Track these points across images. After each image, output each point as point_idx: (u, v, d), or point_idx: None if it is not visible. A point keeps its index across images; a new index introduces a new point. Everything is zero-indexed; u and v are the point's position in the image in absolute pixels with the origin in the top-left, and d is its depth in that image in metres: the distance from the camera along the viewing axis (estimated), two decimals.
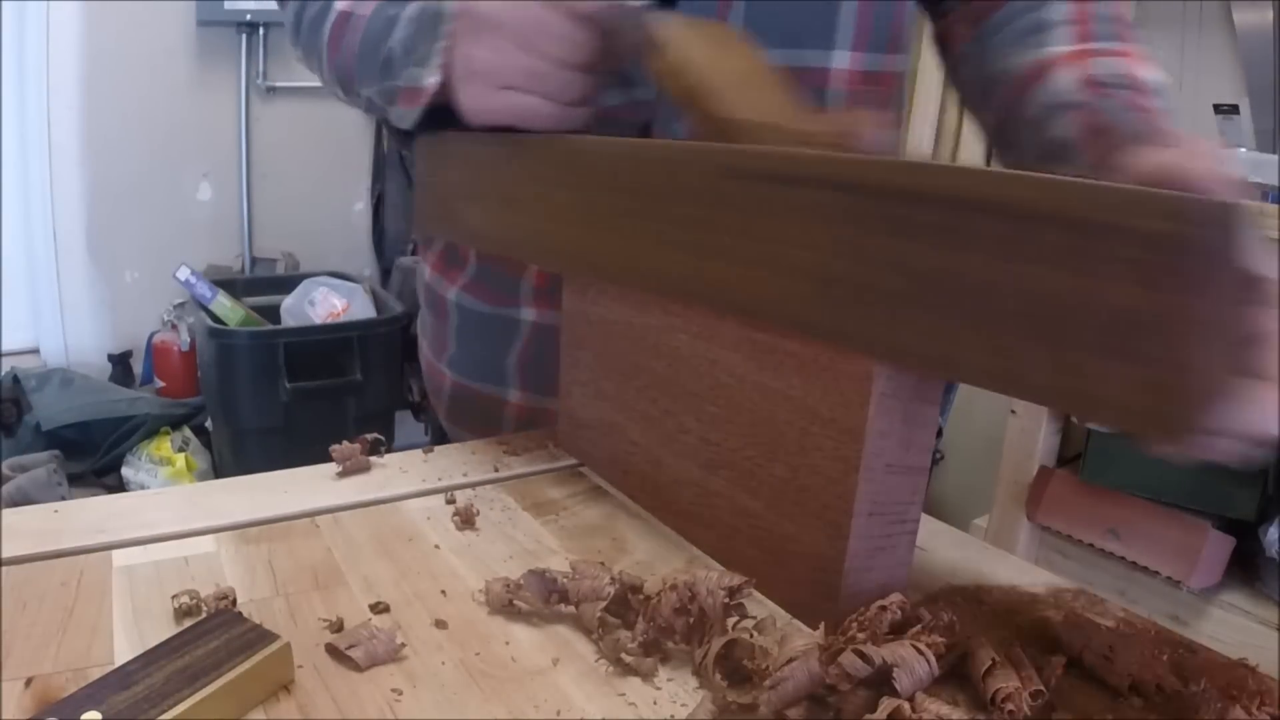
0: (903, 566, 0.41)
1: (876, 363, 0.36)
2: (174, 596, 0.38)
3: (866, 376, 0.36)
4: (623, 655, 0.36)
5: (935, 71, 2.02)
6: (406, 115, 0.57)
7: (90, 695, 0.30)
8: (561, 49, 0.50)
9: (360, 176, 2.69)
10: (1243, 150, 1.45)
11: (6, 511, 0.45)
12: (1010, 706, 0.32)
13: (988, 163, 2.09)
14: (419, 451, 0.57)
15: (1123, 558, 1.51)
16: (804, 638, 0.34)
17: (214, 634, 0.34)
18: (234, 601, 0.39)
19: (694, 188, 0.42)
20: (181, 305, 2.34)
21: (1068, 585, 0.45)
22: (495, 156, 0.57)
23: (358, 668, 0.35)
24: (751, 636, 0.35)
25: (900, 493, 0.39)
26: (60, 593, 0.40)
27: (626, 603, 0.39)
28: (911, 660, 0.33)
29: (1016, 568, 0.47)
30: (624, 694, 0.35)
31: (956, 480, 2.02)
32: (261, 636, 0.34)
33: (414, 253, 2.63)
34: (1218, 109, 1.54)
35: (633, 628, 0.37)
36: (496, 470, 0.55)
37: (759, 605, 0.41)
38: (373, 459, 0.55)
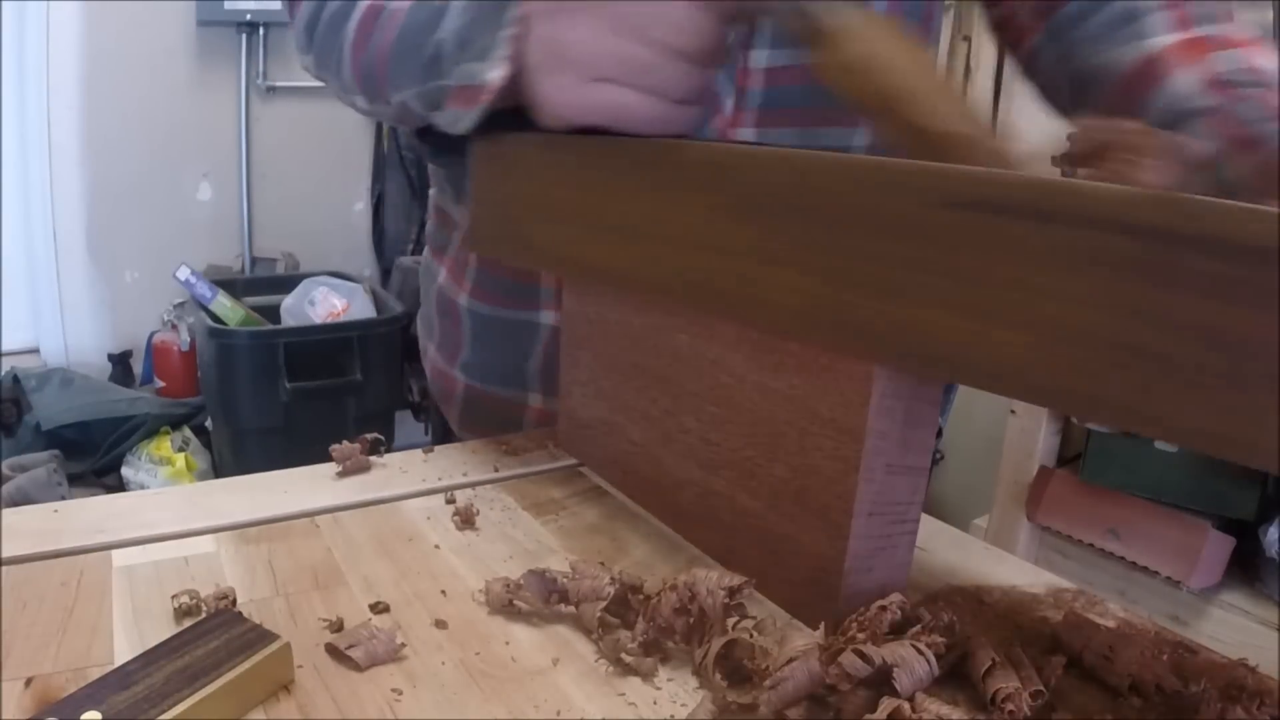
0: (903, 566, 0.41)
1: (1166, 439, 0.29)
2: (174, 596, 0.38)
3: (866, 376, 0.36)
4: (623, 655, 0.36)
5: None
6: (461, 118, 0.49)
7: (90, 695, 0.30)
8: (674, 34, 0.42)
9: (360, 176, 2.69)
10: None
11: (6, 511, 0.45)
12: (1010, 706, 0.32)
13: None
14: (419, 451, 0.57)
15: (1123, 558, 1.51)
16: (804, 638, 0.34)
17: (214, 634, 0.34)
18: (234, 601, 0.39)
19: (899, 217, 0.33)
20: (181, 305, 2.34)
21: (1068, 585, 0.45)
22: (584, 165, 0.47)
23: (358, 668, 0.35)
24: (751, 636, 0.35)
25: (900, 493, 0.39)
26: (60, 593, 0.40)
27: (626, 603, 0.39)
28: (911, 660, 0.33)
29: (1016, 568, 0.47)
30: (624, 694, 0.35)
31: (956, 480, 2.02)
32: (261, 636, 0.34)
33: (414, 253, 2.63)
34: None
35: (633, 628, 0.37)
36: (496, 470, 0.55)
37: (759, 605, 0.41)
38: (373, 459, 0.55)
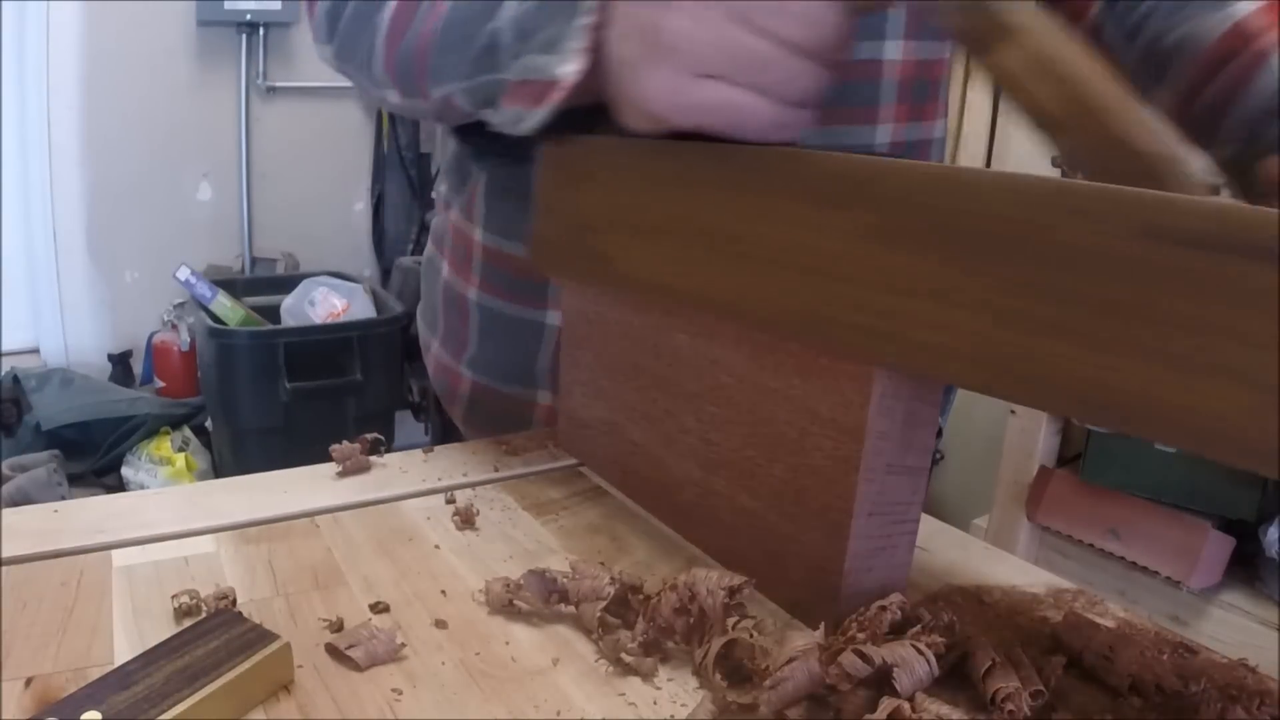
0: (903, 566, 0.41)
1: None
2: (174, 596, 0.38)
3: (866, 376, 0.36)
4: (623, 655, 0.36)
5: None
6: (524, 117, 0.44)
7: (90, 695, 0.30)
8: (797, 26, 0.36)
9: (360, 176, 2.70)
10: None
11: (6, 511, 0.45)
12: (1010, 706, 0.32)
13: (987, 162, 2.07)
14: (419, 451, 0.57)
15: (1123, 558, 1.51)
16: (804, 638, 0.34)
17: (214, 634, 0.34)
18: (234, 601, 0.39)
19: (1096, 250, 0.28)
20: (181, 305, 2.34)
21: (1068, 585, 0.45)
22: (685, 176, 0.41)
23: (358, 668, 0.35)
24: (751, 636, 0.35)
25: (900, 493, 0.39)
26: (60, 593, 0.40)
27: (626, 603, 0.39)
28: (911, 660, 0.33)
29: (1016, 568, 0.47)
30: (624, 694, 0.35)
31: (956, 480, 2.02)
32: (261, 636, 0.34)
33: (414, 253, 2.63)
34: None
35: (633, 628, 0.37)
36: (496, 470, 0.55)
37: (759, 605, 0.41)
38: (373, 459, 0.55)
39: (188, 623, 0.35)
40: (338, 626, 0.38)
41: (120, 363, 2.42)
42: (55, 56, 2.22)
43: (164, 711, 0.29)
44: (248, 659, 0.32)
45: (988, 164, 2.04)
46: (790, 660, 0.33)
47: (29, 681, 0.33)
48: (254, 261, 2.57)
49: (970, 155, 2.05)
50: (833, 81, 0.39)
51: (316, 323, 2.21)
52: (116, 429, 2.10)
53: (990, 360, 0.31)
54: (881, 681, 0.32)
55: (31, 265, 2.35)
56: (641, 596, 0.39)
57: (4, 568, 0.41)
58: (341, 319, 2.23)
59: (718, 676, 0.34)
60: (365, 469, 0.54)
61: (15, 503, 1.66)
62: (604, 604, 0.38)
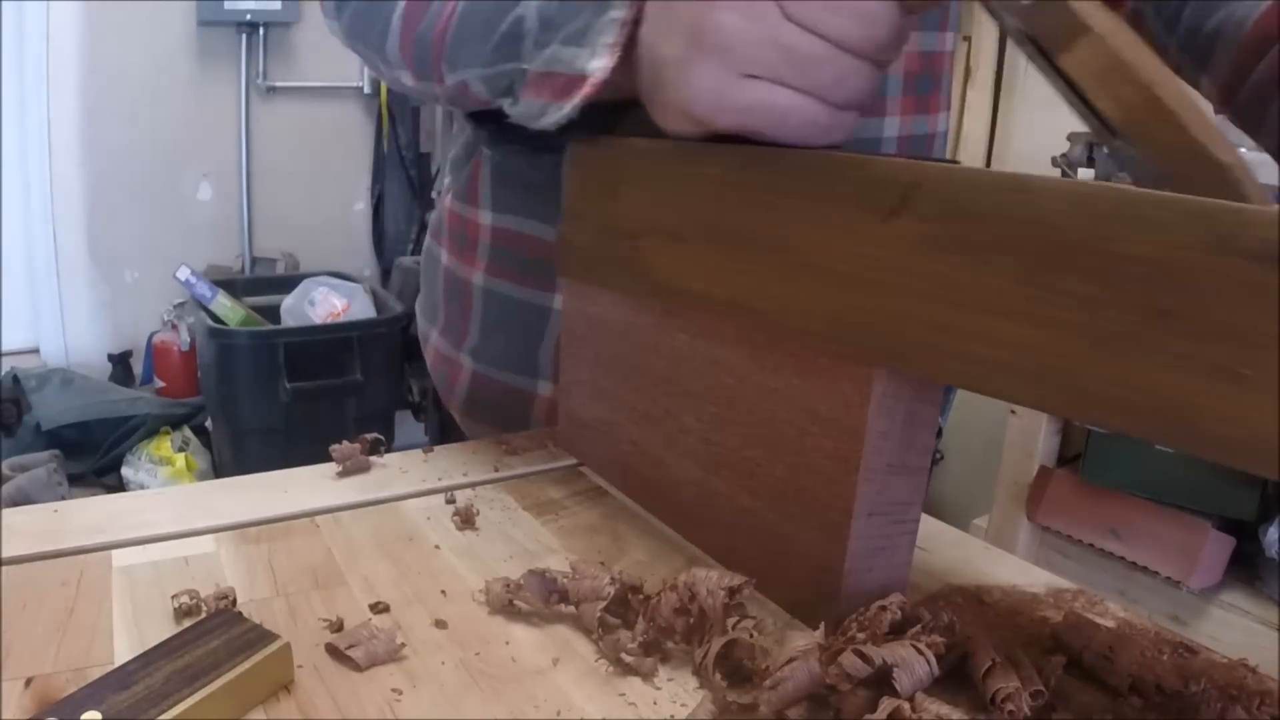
0: (903, 566, 0.41)
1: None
2: (174, 596, 0.38)
3: (866, 377, 0.36)
4: (623, 655, 0.36)
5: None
6: (548, 111, 0.42)
7: (90, 695, 0.30)
8: (852, 25, 0.35)
9: (360, 176, 2.70)
10: (1242, 150, 1.45)
11: (6, 511, 0.45)
12: (1010, 707, 0.32)
13: (987, 162, 2.07)
14: (419, 451, 0.57)
15: (1123, 558, 1.51)
16: (804, 638, 0.34)
17: (214, 634, 0.34)
18: (234, 601, 0.39)
19: (1161, 260, 0.27)
20: (181, 305, 2.34)
21: (1068, 585, 0.45)
22: (730, 181, 0.40)
23: (358, 668, 0.35)
24: (751, 636, 0.35)
25: (900, 493, 0.39)
26: (60, 593, 0.40)
27: (626, 603, 0.39)
28: (911, 660, 0.33)
29: (1016, 568, 0.47)
30: (624, 694, 0.35)
31: (956, 480, 2.02)
32: (261, 636, 0.34)
33: (414, 253, 2.63)
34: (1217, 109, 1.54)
35: (633, 628, 0.37)
36: (496, 470, 0.55)
37: (759, 605, 0.41)
38: (373, 459, 0.55)
39: (188, 623, 0.35)
40: (338, 626, 0.38)
41: (120, 363, 2.43)
42: (55, 56, 2.22)
43: (164, 711, 0.29)
44: (248, 659, 0.32)
45: (988, 164, 2.04)
46: (790, 660, 0.33)
47: (29, 681, 0.33)
48: (254, 261, 2.58)
49: (970, 155, 2.06)
50: (878, 83, 0.37)
51: (316, 323, 2.21)
52: (116, 429, 2.10)
53: (1042, 375, 0.30)
54: (881, 681, 0.32)
55: (31, 265, 2.35)
56: (641, 596, 0.39)
57: (4, 568, 0.41)
58: (341, 319, 2.23)
59: (718, 676, 0.34)
60: (365, 469, 0.54)
61: (15, 503, 1.66)
62: (604, 604, 0.38)
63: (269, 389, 2.06)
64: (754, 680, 0.34)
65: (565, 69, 0.41)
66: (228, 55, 2.41)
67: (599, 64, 0.40)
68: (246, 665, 0.32)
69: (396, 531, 0.47)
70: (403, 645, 0.37)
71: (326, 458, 0.54)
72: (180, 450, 2.12)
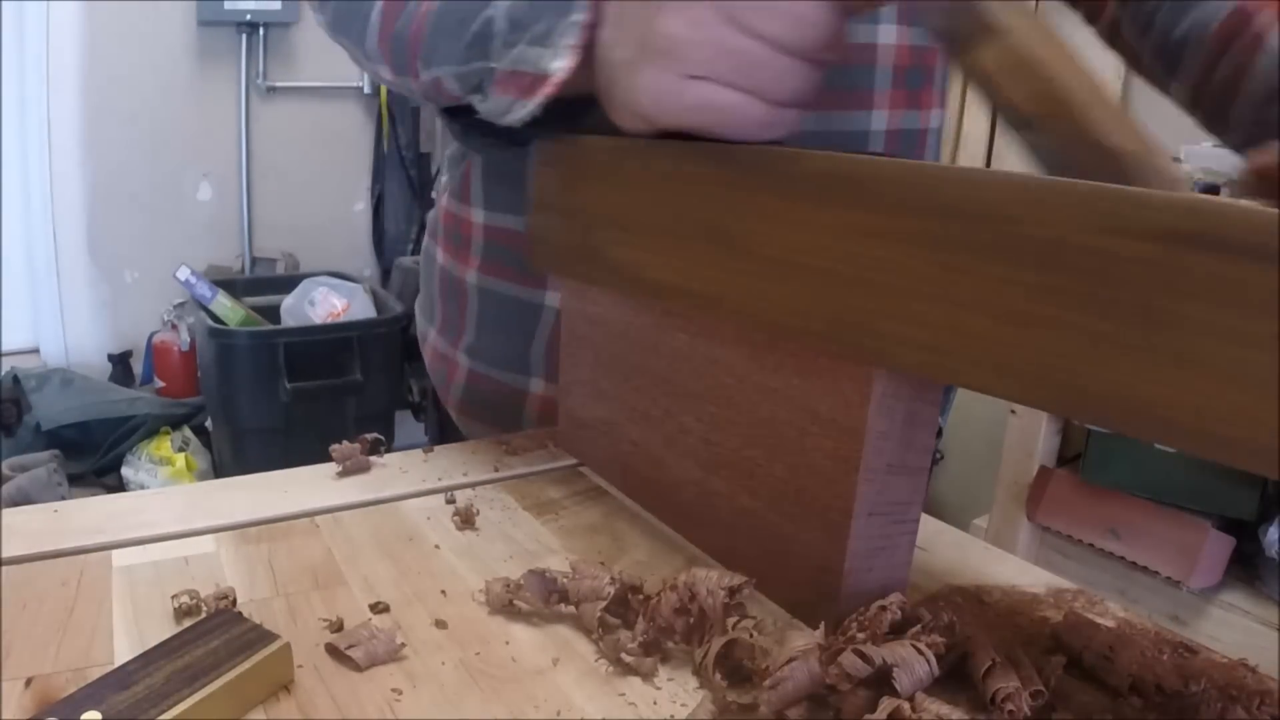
0: (903, 566, 0.41)
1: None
2: (174, 596, 0.38)
3: (866, 377, 0.36)
4: (623, 655, 0.36)
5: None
6: (513, 109, 0.45)
7: (90, 695, 0.30)
8: (790, 27, 0.37)
9: (360, 176, 2.70)
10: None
11: (6, 511, 0.45)
12: (1010, 706, 0.32)
13: (988, 162, 2.07)
14: (419, 451, 0.57)
15: (1123, 558, 1.51)
16: (804, 638, 0.34)
17: (214, 634, 0.34)
18: (234, 601, 0.39)
19: (1056, 241, 0.29)
20: (181, 305, 2.35)
21: (1068, 585, 0.45)
22: (676, 175, 0.42)
23: (358, 668, 0.35)
24: (751, 636, 0.35)
25: (900, 493, 0.39)
26: (60, 593, 0.40)
27: (626, 603, 0.39)
28: (911, 660, 0.33)
29: (1016, 568, 0.47)
30: (624, 694, 0.35)
31: (956, 480, 2.02)
32: (261, 636, 0.34)
33: (414, 253, 2.63)
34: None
35: (633, 628, 0.37)
36: (496, 470, 0.55)
37: (759, 605, 0.41)
38: (373, 459, 0.55)
39: (188, 623, 0.35)
40: (338, 626, 0.38)
41: (120, 363, 2.43)
42: (55, 56, 2.22)
43: (164, 711, 0.29)
44: (248, 659, 0.32)
45: (988, 163, 2.04)
46: (790, 660, 0.33)
47: (29, 681, 0.33)
48: (254, 261, 2.58)
49: (970, 155, 2.05)
50: (822, 81, 0.39)
51: (316, 323, 2.21)
52: (116, 429, 2.10)
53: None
54: (881, 681, 0.32)
55: (31, 265, 2.35)
56: (641, 596, 0.39)
57: (4, 568, 0.41)
58: (341, 319, 2.23)
59: (718, 676, 0.34)
60: (365, 469, 0.54)
61: (15, 503, 1.66)
62: (604, 604, 0.38)
63: (269, 389, 2.06)
64: (754, 680, 0.34)
65: (530, 68, 0.43)
66: (228, 55, 2.41)
67: (561, 64, 0.42)
68: (246, 665, 0.32)
69: (396, 531, 0.47)
70: (403, 645, 0.37)
71: (326, 458, 0.54)
72: (180, 450, 2.12)
